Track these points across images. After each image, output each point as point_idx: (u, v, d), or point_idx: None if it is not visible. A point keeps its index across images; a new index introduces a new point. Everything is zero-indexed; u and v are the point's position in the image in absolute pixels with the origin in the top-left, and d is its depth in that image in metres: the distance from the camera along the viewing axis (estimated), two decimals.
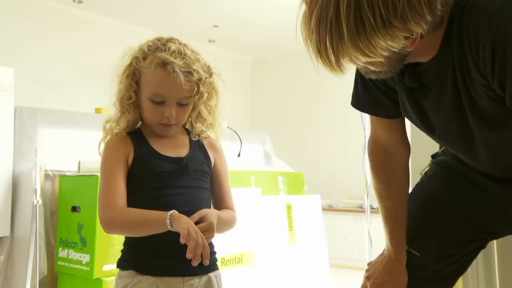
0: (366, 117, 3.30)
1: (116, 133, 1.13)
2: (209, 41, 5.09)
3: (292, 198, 2.87)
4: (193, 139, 1.17)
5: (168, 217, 0.99)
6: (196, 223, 1.01)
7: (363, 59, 0.83)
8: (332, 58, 0.83)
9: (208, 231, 1.01)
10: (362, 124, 3.12)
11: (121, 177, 1.07)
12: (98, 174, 1.97)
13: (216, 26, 4.85)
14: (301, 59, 4.94)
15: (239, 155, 2.91)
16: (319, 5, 0.82)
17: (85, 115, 2.57)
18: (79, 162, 2.15)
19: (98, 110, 2.82)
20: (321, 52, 0.83)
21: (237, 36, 5.14)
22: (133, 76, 1.10)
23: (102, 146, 1.13)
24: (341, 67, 0.84)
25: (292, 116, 5.51)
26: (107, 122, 1.15)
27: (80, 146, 2.33)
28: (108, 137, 1.14)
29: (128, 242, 1.10)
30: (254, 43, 5.37)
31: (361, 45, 0.80)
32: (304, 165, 4.20)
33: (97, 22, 4.51)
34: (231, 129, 2.76)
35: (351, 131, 4.79)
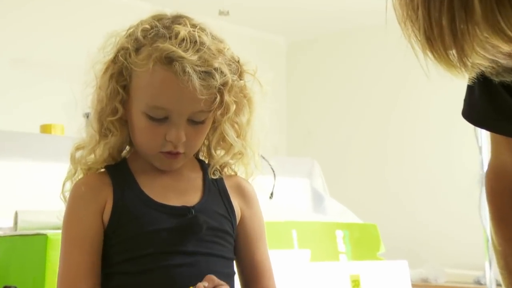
0: (484, 134, 3.26)
1: (90, 167, 1.16)
2: (220, 13, 5.16)
3: (360, 266, 2.85)
4: (213, 177, 1.19)
5: None
6: None
7: (506, 47, 0.81)
8: (452, 50, 0.81)
9: None
10: (476, 143, 3.10)
11: (90, 248, 1.09)
12: (46, 232, 1.99)
13: None
14: (371, 37, 4.86)
15: (271, 195, 2.91)
16: None
17: (26, 136, 2.59)
18: (16, 213, 2.17)
19: (45, 129, 2.85)
20: (433, 40, 0.80)
21: (264, 4, 5.20)
22: (120, 79, 1.12)
23: (68, 186, 1.15)
24: (466, 62, 0.82)
25: (357, 132, 5.50)
26: (77, 149, 1.17)
27: (17, 187, 2.37)
28: (79, 174, 1.16)
29: None
30: (291, 15, 5.42)
31: (503, 26, 0.77)
32: (378, 212, 4.16)
33: None
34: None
35: (459, 155, 4.75)
